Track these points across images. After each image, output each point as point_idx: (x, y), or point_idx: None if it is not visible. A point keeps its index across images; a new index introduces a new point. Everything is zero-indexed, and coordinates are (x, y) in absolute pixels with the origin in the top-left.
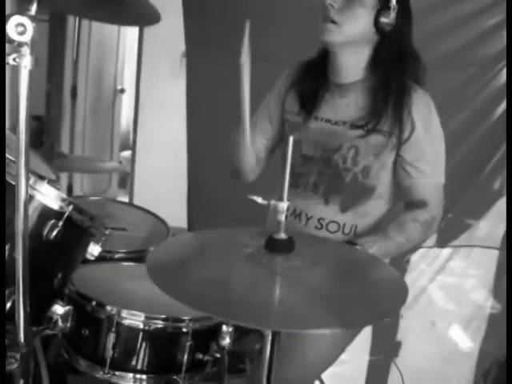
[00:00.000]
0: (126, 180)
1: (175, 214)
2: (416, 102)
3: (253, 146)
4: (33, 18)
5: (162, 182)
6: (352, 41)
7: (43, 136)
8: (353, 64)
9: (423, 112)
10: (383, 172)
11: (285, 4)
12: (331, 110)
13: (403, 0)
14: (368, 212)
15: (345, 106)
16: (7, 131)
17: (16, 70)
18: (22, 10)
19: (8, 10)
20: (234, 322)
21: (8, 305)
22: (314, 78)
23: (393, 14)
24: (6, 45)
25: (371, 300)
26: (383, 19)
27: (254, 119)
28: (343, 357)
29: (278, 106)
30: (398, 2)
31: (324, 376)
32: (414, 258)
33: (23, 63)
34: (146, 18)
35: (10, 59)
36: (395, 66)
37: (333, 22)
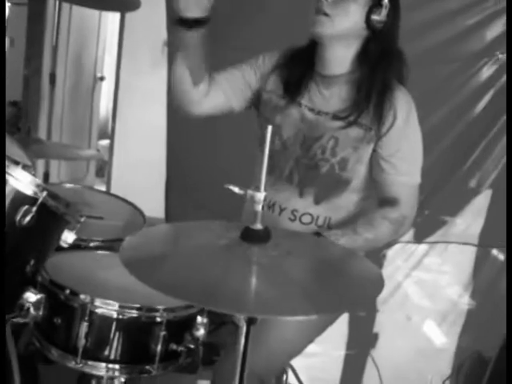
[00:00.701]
0: (103, 169)
1: (153, 204)
2: (398, 99)
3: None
4: None
5: (140, 172)
6: (342, 35)
7: (20, 122)
8: (340, 57)
9: (404, 109)
10: (360, 166)
11: None
12: (315, 100)
13: None
14: (342, 205)
15: (328, 97)
16: None
17: None
18: None
19: None
20: (211, 308)
21: None
22: (301, 66)
23: (384, 12)
24: None
25: (346, 289)
26: (375, 16)
27: (223, 73)
28: (319, 349)
29: (258, 81)
30: (389, 0)
31: (299, 367)
32: (390, 253)
33: None
34: (126, 3)
35: None
36: (381, 63)
37: (325, 14)
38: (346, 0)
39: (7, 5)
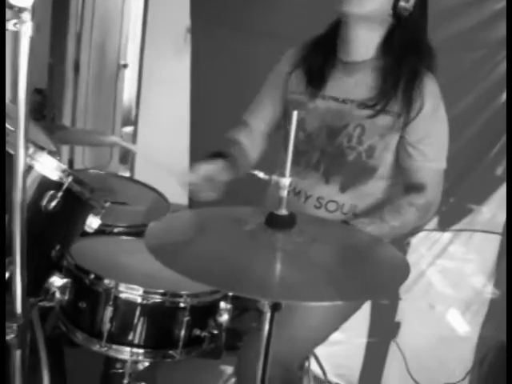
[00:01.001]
0: (127, 155)
1: (176, 190)
2: (427, 86)
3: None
4: None
5: (163, 158)
6: (369, 16)
7: (45, 109)
8: (364, 41)
9: (432, 95)
10: (386, 153)
11: None
12: (338, 88)
13: None
14: (368, 193)
15: (353, 84)
16: (8, 102)
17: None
18: None
19: None
20: (236, 293)
21: (6, 275)
22: (322, 55)
23: (412, 1)
24: (7, 11)
25: (371, 275)
26: (402, 3)
27: (257, 101)
28: (340, 337)
29: (282, 85)
30: None
31: (321, 355)
32: (415, 241)
33: (24, 29)
34: None
35: (9, 25)
36: (408, 52)
37: None
38: None
39: None
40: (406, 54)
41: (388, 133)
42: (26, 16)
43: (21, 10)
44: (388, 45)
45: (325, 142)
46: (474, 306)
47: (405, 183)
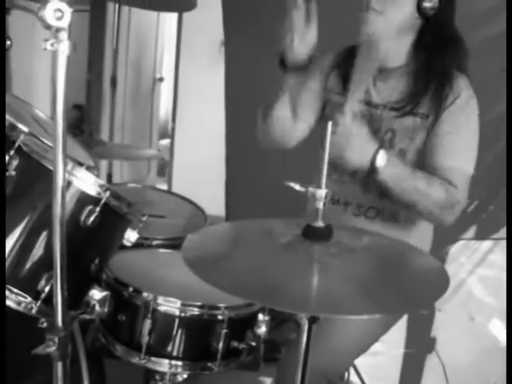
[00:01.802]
0: (164, 168)
1: (213, 202)
2: (459, 84)
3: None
4: (70, 4)
5: (200, 171)
6: (396, 29)
7: (83, 124)
8: (396, 51)
9: (465, 92)
10: (417, 155)
11: None
12: (372, 94)
13: None
14: None
15: (386, 89)
16: (48, 119)
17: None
18: None
19: None
20: (272, 307)
21: (46, 289)
22: (356, 62)
23: None
24: (45, 30)
25: (410, 288)
26: (426, 3)
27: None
28: (379, 347)
29: (320, 84)
30: None
31: (360, 366)
32: (453, 250)
33: (61, 49)
34: (183, 3)
35: (47, 44)
36: (438, 51)
37: (375, 10)
38: None
39: (69, 10)
40: (436, 53)
41: (417, 135)
42: (63, 35)
43: (58, 29)
44: (419, 47)
45: None
46: None
47: None
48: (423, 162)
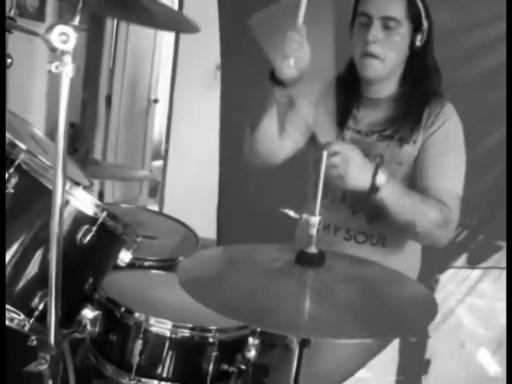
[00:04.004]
0: (156, 189)
1: (205, 224)
2: (446, 108)
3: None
4: (76, 28)
5: (192, 193)
6: (391, 69)
7: (77, 143)
8: (387, 82)
9: (452, 119)
10: (407, 181)
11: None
12: (362, 122)
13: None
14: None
15: (375, 117)
16: (44, 137)
17: (54, 77)
18: (65, 19)
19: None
20: (265, 329)
21: (40, 307)
22: (347, 94)
23: (425, 34)
24: (49, 53)
25: (399, 313)
26: (418, 43)
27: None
28: (369, 375)
29: (310, 112)
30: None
31: None
32: (443, 278)
33: (65, 71)
34: (185, 25)
35: (52, 67)
36: (422, 80)
37: (374, 56)
38: (392, 36)
39: (74, 34)
40: (421, 82)
41: (405, 160)
42: (68, 59)
43: (63, 52)
44: (406, 79)
45: None
46: (504, 345)
47: None
48: (412, 187)
